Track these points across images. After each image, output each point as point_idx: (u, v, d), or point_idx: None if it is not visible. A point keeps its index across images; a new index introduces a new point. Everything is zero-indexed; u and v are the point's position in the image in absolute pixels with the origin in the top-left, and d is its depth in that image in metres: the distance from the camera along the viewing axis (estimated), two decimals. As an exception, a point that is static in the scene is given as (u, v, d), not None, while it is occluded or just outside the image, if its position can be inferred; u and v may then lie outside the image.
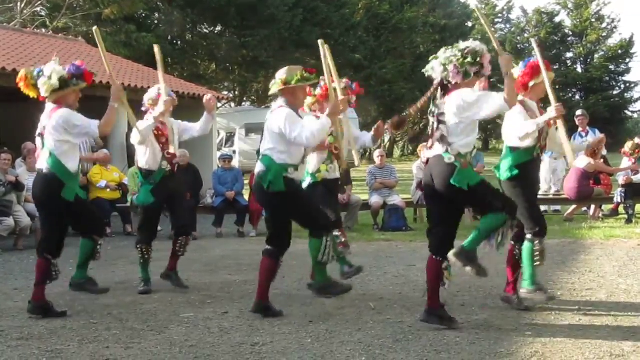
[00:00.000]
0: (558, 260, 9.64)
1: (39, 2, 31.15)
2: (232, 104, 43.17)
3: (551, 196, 14.69)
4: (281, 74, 6.72)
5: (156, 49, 8.11)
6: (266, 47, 37.36)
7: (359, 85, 7.94)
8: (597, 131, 14.93)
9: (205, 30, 40.47)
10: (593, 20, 65.71)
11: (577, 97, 64.06)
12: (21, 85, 7.10)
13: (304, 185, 7.45)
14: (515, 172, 6.63)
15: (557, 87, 64.72)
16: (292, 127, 6.45)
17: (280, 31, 36.98)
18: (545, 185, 15.20)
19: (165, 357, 5.65)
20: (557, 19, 67.34)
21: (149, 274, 8.24)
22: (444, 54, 6.26)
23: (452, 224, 6.30)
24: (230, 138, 32.73)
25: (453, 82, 6.13)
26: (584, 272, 8.61)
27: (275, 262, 6.93)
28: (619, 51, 62.89)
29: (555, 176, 14.93)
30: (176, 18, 35.25)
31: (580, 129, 14.81)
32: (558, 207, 15.04)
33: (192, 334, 6.28)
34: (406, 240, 12.09)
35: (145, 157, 8.03)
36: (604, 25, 66.01)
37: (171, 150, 8.06)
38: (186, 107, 16.43)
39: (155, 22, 38.14)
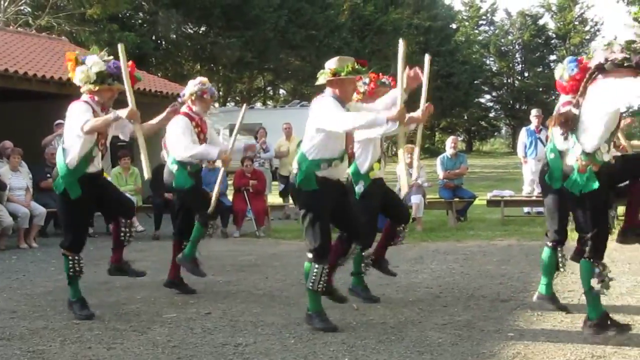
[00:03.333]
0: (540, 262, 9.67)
1: (23, 1, 31.00)
2: (217, 104, 43.14)
3: (534, 198, 14.75)
4: (331, 63, 6.33)
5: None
6: (251, 47, 37.34)
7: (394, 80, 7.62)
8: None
9: (189, 31, 40.41)
10: (576, 23, 66.08)
11: (560, 99, 64.31)
12: (69, 65, 6.94)
13: (358, 189, 7.11)
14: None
15: (541, 89, 65.14)
16: (330, 111, 6.15)
17: (265, 32, 36.98)
18: (529, 187, 15.28)
19: (148, 357, 5.63)
20: (540, 22, 67.68)
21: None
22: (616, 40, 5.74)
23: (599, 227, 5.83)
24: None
25: (611, 59, 5.58)
26: (566, 274, 8.60)
27: (345, 247, 6.60)
28: (602, 54, 63.15)
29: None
30: (168, 17, 35.17)
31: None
32: (541, 209, 15.06)
33: (174, 335, 6.26)
34: (390, 242, 12.09)
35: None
36: (587, 28, 66.39)
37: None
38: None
39: (139, 21, 38.06)
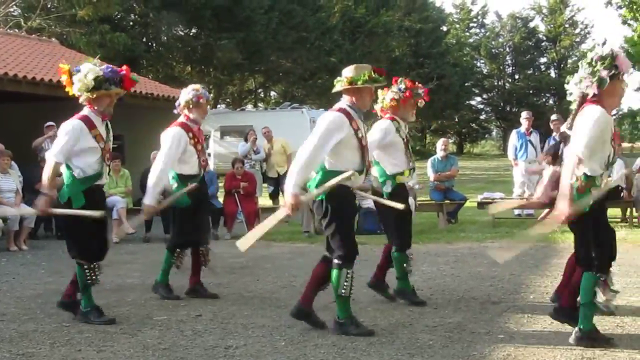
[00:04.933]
0: (531, 264, 9.70)
1: (13, 2, 30.91)
2: (207, 106, 42.94)
3: (525, 200, 14.77)
4: (347, 72, 6.30)
5: None
6: (242, 49, 37.32)
7: (427, 92, 7.62)
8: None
9: (180, 32, 40.36)
10: (567, 25, 66.35)
11: (551, 101, 64.66)
12: (64, 78, 6.83)
13: (386, 188, 7.21)
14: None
15: (531, 92, 65.31)
16: (316, 135, 6.08)
17: (256, 34, 36.95)
18: (519, 189, 15.32)
19: (138, 360, 5.63)
20: (531, 24, 67.95)
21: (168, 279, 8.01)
22: (576, 75, 5.82)
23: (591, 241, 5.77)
24: (205, 140, 32.60)
25: (591, 95, 5.70)
26: (557, 276, 8.65)
27: (326, 266, 6.36)
28: (592, 56, 63.44)
29: (530, 180, 15.02)
30: (160, 19, 35.11)
31: (554, 133, 14.95)
32: (531, 211, 15.12)
33: (165, 337, 6.25)
34: (380, 244, 12.01)
35: (184, 163, 7.79)
36: (577, 30, 66.69)
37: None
38: (161, 109, 16.37)
39: (131, 23, 38.01)
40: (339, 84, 6.34)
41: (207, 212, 8.56)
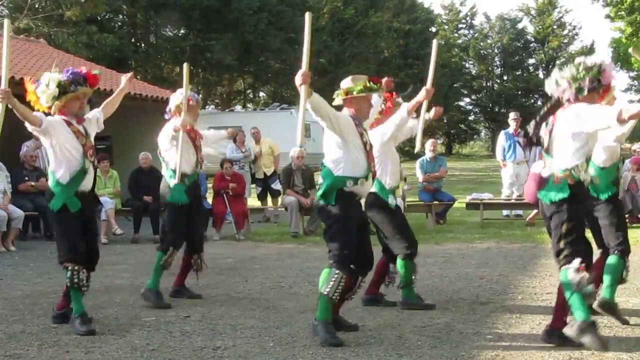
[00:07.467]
0: (519, 265, 9.74)
1: (0, 3, 30.81)
2: (198, 109, 42.84)
3: (513, 201, 14.84)
4: (344, 83, 6.40)
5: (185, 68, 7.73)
6: (230, 50, 37.30)
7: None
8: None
9: (169, 33, 40.30)
10: (555, 27, 66.54)
11: (539, 102, 64.77)
12: (31, 98, 6.75)
13: (391, 201, 7.20)
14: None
15: (520, 93, 65.45)
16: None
17: (244, 35, 36.93)
18: (508, 190, 15.36)
19: (126, 361, 5.61)
20: (519, 25, 68.10)
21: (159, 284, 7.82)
22: (560, 71, 5.88)
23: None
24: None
25: (565, 99, 5.75)
26: (545, 277, 8.70)
27: (353, 280, 6.32)
28: (580, 58, 63.70)
29: (518, 181, 15.07)
30: (156, 19, 35.09)
31: None
32: (520, 212, 15.18)
33: (153, 338, 6.23)
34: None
35: (182, 160, 7.75)
36: (565, 32, 66.87)
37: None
38: (149, 110, 16.34)
39: (119, 24, 37.95)
40: (338, 97, 6.40)
41: (201, 214, 8.53)
